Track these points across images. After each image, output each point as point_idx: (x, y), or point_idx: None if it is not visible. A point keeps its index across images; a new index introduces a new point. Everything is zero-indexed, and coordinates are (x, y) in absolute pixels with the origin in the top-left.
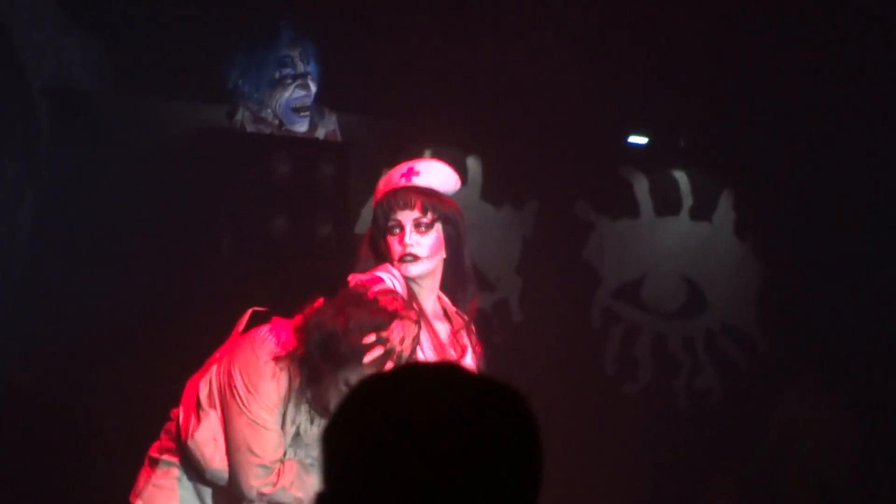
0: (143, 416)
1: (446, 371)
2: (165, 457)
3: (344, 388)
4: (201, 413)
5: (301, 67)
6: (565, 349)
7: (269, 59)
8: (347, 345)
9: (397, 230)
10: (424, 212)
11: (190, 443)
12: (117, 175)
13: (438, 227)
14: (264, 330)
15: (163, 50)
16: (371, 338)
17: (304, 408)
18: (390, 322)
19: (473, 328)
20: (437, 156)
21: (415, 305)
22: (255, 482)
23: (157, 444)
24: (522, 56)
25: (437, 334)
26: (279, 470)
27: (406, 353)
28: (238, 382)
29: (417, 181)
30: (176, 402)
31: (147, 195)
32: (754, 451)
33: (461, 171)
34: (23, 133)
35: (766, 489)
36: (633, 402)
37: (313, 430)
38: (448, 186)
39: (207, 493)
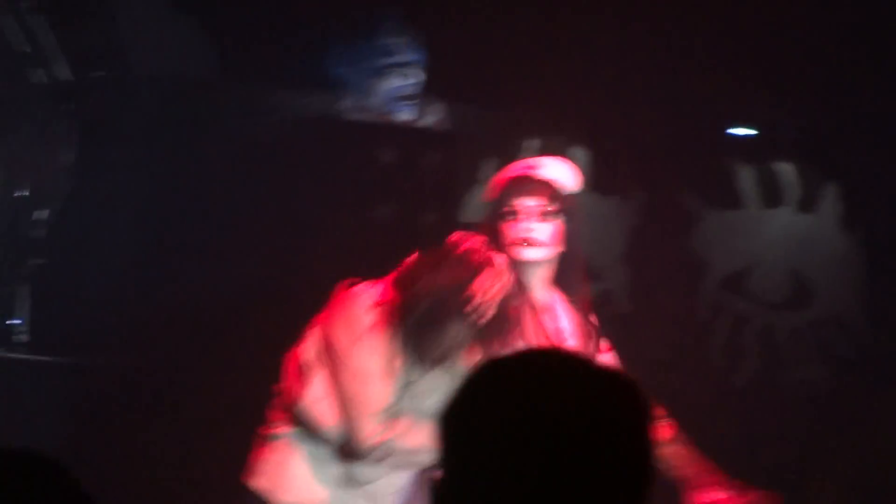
0: (251, 399)
1: (565, 360)
2: (278, 430)
3: (443, 337)
4: (307, 376)
5: (407, 56)
6: (671, 340)
7: (374, 48)
8: (441, 295)
9: (515, 216)
10: (550, 201)
11: (300, 407)
12: (222, 164)
13: (559, 219)
14: (361, 286)
15: (268, 38)
16: (461, 286)
17: (410, 359)
18: (479, 272)
19: (594, 324)
20: (544, 146)
21: (502, 258)
22: (368, 433)
23: (265, 425)
24: (630, 46)
25: (542, 324)
26: (391, 421)
27: (497, 301)
28: (340, 337)
29: (542, 173)
30: (278, 380)
31: (251, 184)
32: (860, 446)
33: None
34: (128, 120)
35: (870, 485)
36: (739, 393)
37: (421, 382)
38: (571, 184)
39: (325, 457)
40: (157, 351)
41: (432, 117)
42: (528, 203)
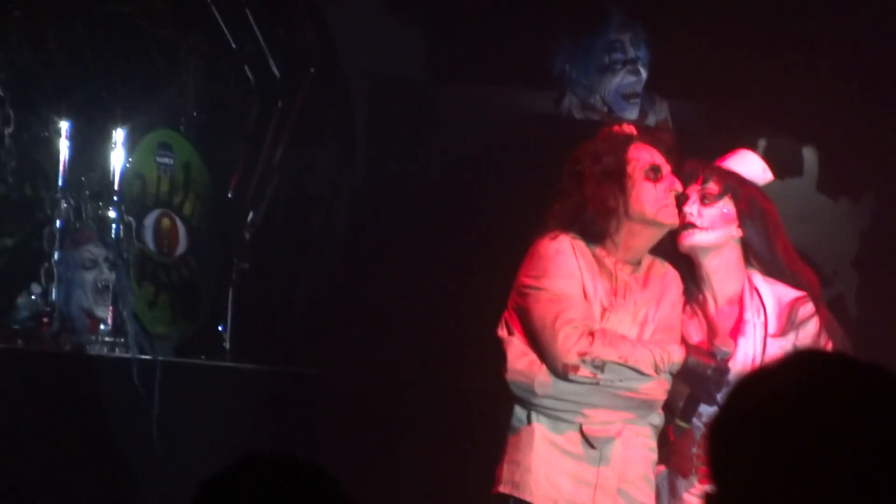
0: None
1: (828, 363)
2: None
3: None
4: (505, 345)
5: (631, 52)
6: None
7: (597, 44)
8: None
9: (684, 200)
10: (705, 181)
11: (509, 375)
12: (436, 164)
13: (727, 202)
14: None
15: (486, 35)
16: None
17: (602, 283)
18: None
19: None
20: (772, 145)
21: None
22: (571, 344)
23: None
24: (862, 43)
25: (724, 316)
26: (593, 332)
27: (611, 165)
28: (528, 279)
29: (725, 163)
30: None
31: (468, 185)
32: None
33: (797, 161)
34: (337, 120)
35: None
36: None
37: (618, 309)
38: (750, 171)
39: (548, 423)
40: (365, 358)
41: (657, 116)
42: (690, 189)
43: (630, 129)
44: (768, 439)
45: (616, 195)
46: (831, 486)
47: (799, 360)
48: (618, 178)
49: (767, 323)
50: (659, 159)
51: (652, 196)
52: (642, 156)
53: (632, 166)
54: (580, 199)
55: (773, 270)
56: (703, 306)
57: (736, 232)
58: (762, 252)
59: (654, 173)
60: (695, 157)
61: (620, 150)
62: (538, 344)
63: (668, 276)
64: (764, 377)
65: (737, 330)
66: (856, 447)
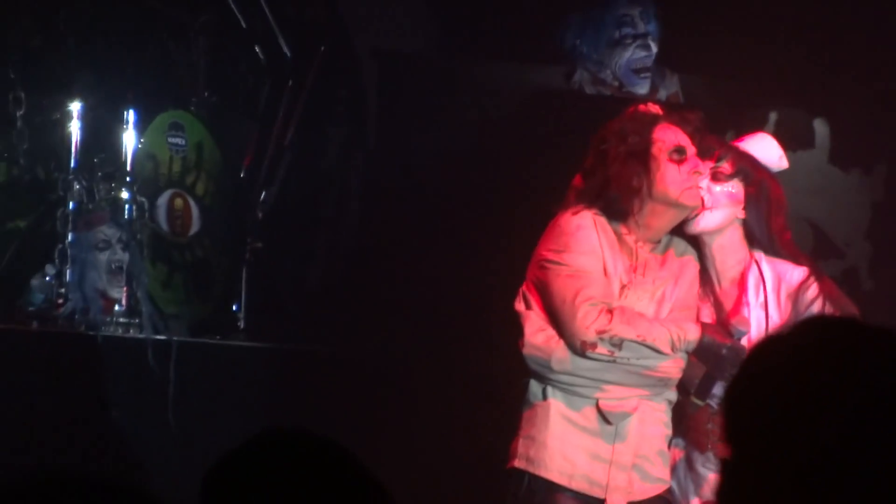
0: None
1: (843, 326)
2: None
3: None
4: (522, 319)
5: (641, 27)
6: None
7: (607, 19)
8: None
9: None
10: (720, 160)
11: (526, 350)
12: (447, 141)
13: (737, 183)
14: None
15: (496, 11)
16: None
17: (622, 260)
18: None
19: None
20: (783, 118)
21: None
22: (590, 322)
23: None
24: (872, 14)
25: (727, 296)
26: (612, 310)
27: (636, 145)
28: (549, 253)
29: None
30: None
31: (480, 161)
32: None
33: (808, 133)
34: (348, 98)
35: None
36: None
37: (636, 287)
38: (767, 156)
39: (563, 399)
40: (379, 336)
41: (667, 90)
42: (706, 163)
43: (656, 108)
44: (783, 404)
45: (640, 176)
46: (848, 450)
47: (814, 325)
48: (642, 158)
49: (768, 304)
50: (684, 140)
51: (676, 178)
52: (667, 136)
53: (657, 147)
54: (604, 178)
55: (772, 252)
56: (710, 285)
57: (740, 213)
58: (761, 236)
59: (678, 154)
60: (715, 130)
61: (646, 131)
62: (556, 320)
63: (687, 256)
64: (779, 342)
65: (737, 310)
66: (872, 410)
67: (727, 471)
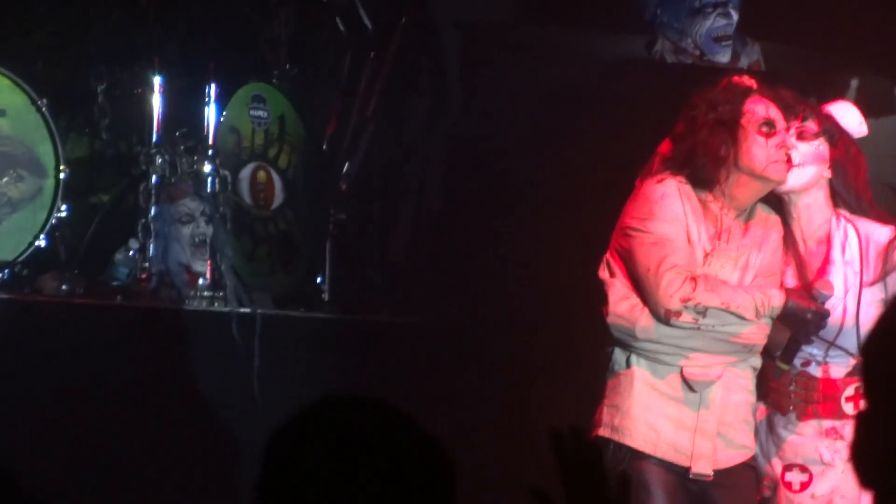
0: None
1: None
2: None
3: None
4: (606, 287)
5: None
6: None
7: None
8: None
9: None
10: (805, 119)
11: (610, 318)
12: (529, 110)
13: (823, 143)
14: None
15: None
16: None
17: (706, 227)
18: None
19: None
20: (863, 84)
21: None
22: (674, 290)
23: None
24: None
25: (813, 256)
26: (696, 277)
27: (726, 114)
28: (633, 221)
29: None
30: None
31: (562, 130)
32: None
33: (888, 99)
34: (429, 68)
35: None
36: None
37: (720, 254)
38: (847, 122)
39: (648, 367)
40: (464, 306)
41: (749, 58)
42: (793, 122)
43: (750, 81)
44: None
45: (728, 145)
46: None
47: None
48: (731, 128)
49: (860, 261)
50: (775, 114)
51: (763, 151)
52: (758, 109)
53: (746, 118)
54: (692, 145)
55: (858, 212)
56: (793, 246)
57: (827, 172)
58: (847, 196)
59: (767, 127)
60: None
61: (737, 101)
62: (641, 288)
63: (770, 222)
64: None
65: (823, 270)
66: None
67: (861, 423)
